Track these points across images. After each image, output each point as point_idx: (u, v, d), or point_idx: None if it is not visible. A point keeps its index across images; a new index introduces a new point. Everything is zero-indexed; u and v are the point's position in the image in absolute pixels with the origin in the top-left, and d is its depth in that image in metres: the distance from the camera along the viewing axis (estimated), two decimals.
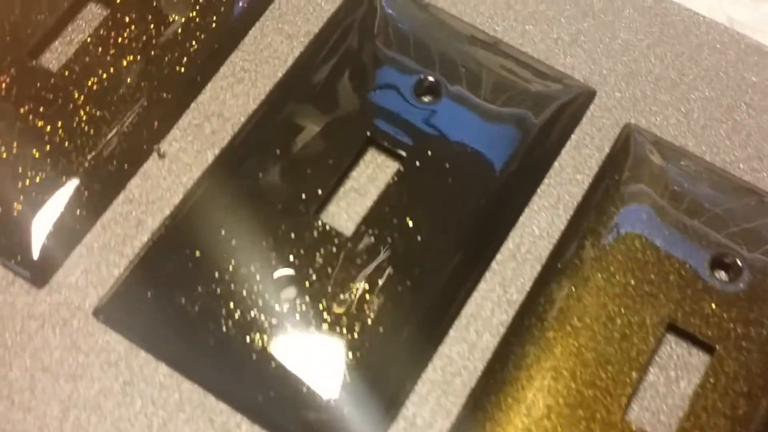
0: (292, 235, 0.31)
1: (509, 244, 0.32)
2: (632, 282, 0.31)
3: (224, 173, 0.33)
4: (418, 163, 0.33)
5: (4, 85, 0.33)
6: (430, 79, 0.34)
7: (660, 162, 0.34)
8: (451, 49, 0.35)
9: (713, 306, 0.31)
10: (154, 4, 0.35)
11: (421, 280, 0.31)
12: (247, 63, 0.35)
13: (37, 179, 0.32)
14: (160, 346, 0.30)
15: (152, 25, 0.34)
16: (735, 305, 0.30)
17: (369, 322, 0.30)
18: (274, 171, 0.33)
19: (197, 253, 0.31)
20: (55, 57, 0.35)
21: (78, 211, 0.32)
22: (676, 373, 0.31)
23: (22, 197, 0.31)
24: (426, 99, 0.34)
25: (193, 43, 0.34)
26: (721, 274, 0.31)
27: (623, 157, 0.34)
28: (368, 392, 0.30)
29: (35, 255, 0.31)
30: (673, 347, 0.31)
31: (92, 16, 0.36)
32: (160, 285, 0.31)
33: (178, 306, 0.31)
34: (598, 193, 0.33)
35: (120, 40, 0.34)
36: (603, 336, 0.30)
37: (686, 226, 0.32)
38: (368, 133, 0.33)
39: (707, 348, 0.31)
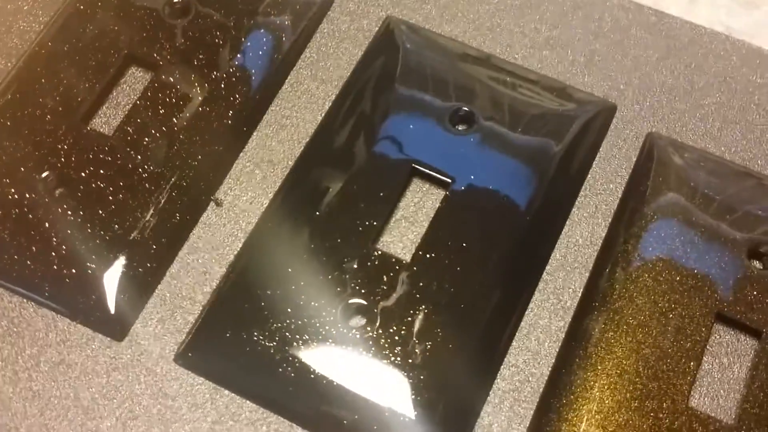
0: (354, 266, 0.33)
1: (557, 255, 0.34)
2: (677, 278, 0.33)
3: (280, 215, 0.35)
4: (463, 188, 0.35)
5: (63, 152, 0.35)
6: (464, 109, 0.36)
7: (683, 164, 0.36)
8: (478, 79, 0.37)
9: (755, 293, 0.33)
10: (195, 62, 0.37)
11: (481, 295, 0.33)
12: (287, 110, 0.37)
13: (107, 238, 0.33)
14: (242, 384, 0.32)
15: (196, 84, 0.36)
16: None
17: (437, 340, 0.32)
18: (328, 207, 0.34)
19: (267, 292, 0.33)
20: (105, 121, 0.37)
21: (147, 264, 0.33)
22: (729, 360, 0.33)
23: (94, 256, 0.33)
24: (461, 128, 0.36)
25: (236, 95, 0.36)
26: (758, 263, 0.34)
27: (649, 163, 0.36)
28: (445, 407, 0.31)
29: (112, 310, 0.33)
30: (722, 335, 0.33)
31: (135, 79, 0.38)
32: (235, 326, 0.32)
33: (254, 344, 0.32)
34: (632, 199, 0.35)
35: (168, 99, 0.36)
36: (658, 331, 0.32)
37: (718, 221, 0.34)
38: (412, 165, 0.35)
39: (754, 333, 0.33)
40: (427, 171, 0.35)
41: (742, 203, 0.35)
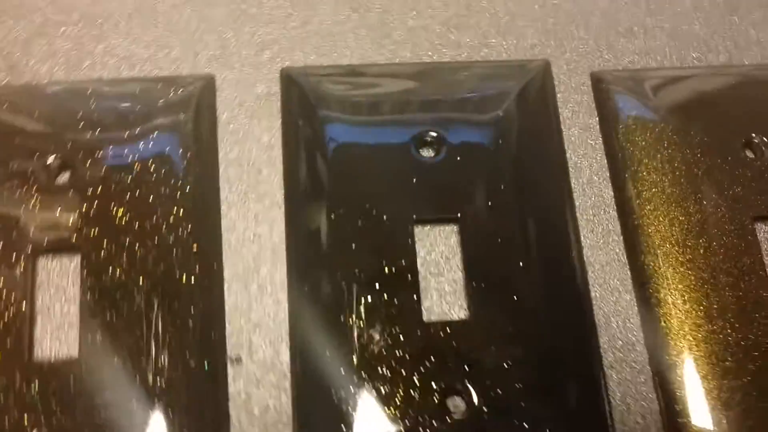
0: (401, 337, 0.30)
1: (585, 232, 0.33)
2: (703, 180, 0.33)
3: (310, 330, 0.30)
4: (474, 215, 0.32)
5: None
6: (432, 134, 0.33)
7: (631, 84, 0.35)
8: (419, 96, 0.34)
9: None
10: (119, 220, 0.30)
11: (554, 294, 0.31)
12: (243, 225, 0.32)
13: None
14: None
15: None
16: None
17: (534, 377, 0.30)
18: (361, 293, 0.30)
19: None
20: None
21: None
22: None
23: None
24: (430, 152, 0.33)
25: (191, 248, 0.30)
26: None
27: (607, 103, 0.35)
28: None
29: None
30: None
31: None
32: None
33: None
34: (611, 141, 0.34)
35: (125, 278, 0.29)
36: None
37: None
38: (414, 216, 0.32)
39: None
40: (429, 216, 0.32)
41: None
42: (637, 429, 0.30)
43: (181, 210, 0.31)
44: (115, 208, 0.30)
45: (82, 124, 0.32)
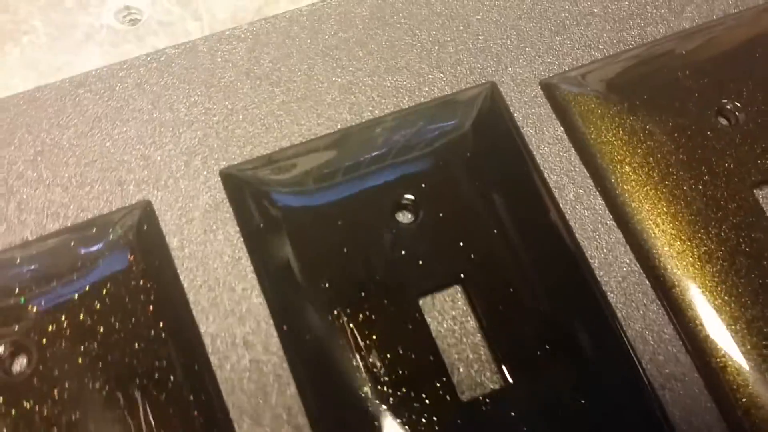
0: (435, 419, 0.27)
1: (590, 252, 0.31)
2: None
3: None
4: (473, 271, 0.29)
5: None
6: (409, 197, 0.30)
7: (584, 84, 0.33)
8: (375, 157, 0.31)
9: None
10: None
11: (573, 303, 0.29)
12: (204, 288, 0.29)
13: None
14: None
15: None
16: None
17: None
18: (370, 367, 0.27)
19: None
20: None
21: None
22: None
23: None
24: (407, 217, 0.30)
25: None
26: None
27: (566, 110, 0.33)
28: None
29: None
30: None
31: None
32: None
33: None
34: (584, 149, 0.32)
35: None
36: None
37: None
38: (415, 289, 0.29)
39: None
40: (432, 284, 0.29)
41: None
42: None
43: (164, 362, 0.27)
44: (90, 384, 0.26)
45: (16, 294, 0.28)
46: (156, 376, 0.27)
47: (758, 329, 0.29)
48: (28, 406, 0.26)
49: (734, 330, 0.29)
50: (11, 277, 0.28)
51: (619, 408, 0.28)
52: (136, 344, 0.27)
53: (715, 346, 0.29)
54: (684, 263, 0.30)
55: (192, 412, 0.27)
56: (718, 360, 0.29)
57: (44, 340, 0.27)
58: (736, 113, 0.32)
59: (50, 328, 0.27)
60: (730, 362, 0.29)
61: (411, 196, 0.30)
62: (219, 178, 0.31)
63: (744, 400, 0.28)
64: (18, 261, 0.29)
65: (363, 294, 0.29)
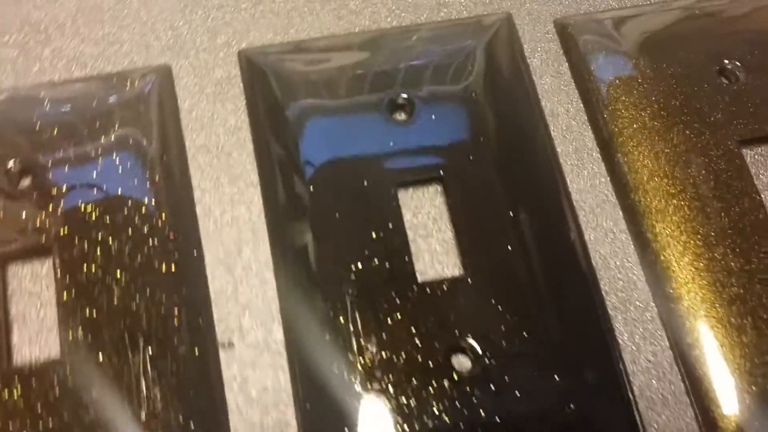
0: (397, 301, 0.29)
1: (572, 177, 0.32)
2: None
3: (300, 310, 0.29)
4: (456, 173, 0.31)
5: None
6: (403, 96, 0.32)
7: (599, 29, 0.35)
8: (380, 58, 0.33)
9: None
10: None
11: (547, 242, 0.30)
12: (217, 208, 0.31)
13: None
14: None
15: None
16: None
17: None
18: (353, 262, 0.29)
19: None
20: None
21: None
22: None
23: None
24: (402, 116, 0.32)
25: (168, 237, 0.29)
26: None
27: (574, 48, 0.34)
28: None
29: None
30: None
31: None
32: None
33: None
34: (584, 84, 0.34)
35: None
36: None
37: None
38: (396, 182, 0.31)
39: None
40: (412, 177, 0.31)
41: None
42: (649, 367, 0.29)
43: (153, 200, 0.29)
44: (83, 206, 0.29)
45: (38, 125, 0.30)
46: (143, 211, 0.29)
47: (717, 269, 0.30)
48: (26, 217, 0.29)
49: (695, 267, 0.30)
50: (32, 108, 0.31)
51: (566, 311, 0.29)
52: (134, 182, 0.30)
53: (673, 279, 0.30)
54: (658, 199, 0.31)
55: (173, 255, 0.29)
56: (672, 292, 0.30)
57: (49, 163, 0.30)
58: (737, 73, 0.33)
59: (56, 155, 0.30)
60: (684, 295, 0.30)
61: (405, 95, 0.32)
62: (237, 58, 0.33)
63: (691, 335, 0.29)
64: (41, 95, 0.31)
65: (348, 174, 0.30)
